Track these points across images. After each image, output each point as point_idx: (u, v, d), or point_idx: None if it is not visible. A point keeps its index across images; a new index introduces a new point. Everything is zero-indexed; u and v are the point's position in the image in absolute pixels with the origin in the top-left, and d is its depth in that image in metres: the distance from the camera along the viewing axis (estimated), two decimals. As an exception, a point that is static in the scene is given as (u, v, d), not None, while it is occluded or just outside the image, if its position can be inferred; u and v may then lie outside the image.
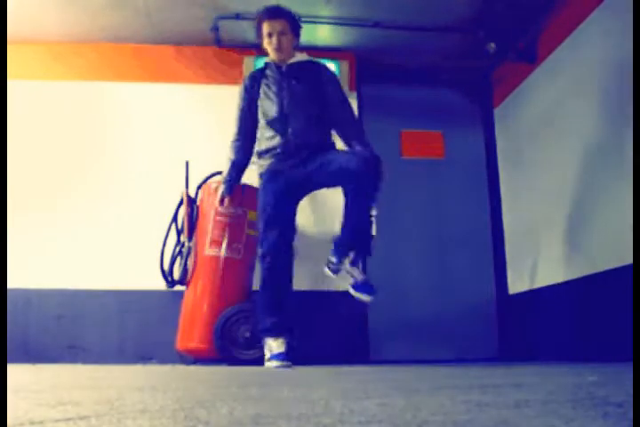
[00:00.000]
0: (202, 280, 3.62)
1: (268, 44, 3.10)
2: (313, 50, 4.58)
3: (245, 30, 4.29)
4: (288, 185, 3.04)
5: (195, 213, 3.79)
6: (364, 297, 3.03)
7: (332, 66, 4.56)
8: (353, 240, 3.07)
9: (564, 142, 3.77)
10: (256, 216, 3.22)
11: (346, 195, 3.00)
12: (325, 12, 4.11)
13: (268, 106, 3.07)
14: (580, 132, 3.60)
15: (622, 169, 3.10)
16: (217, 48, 4.45)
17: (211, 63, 4.48)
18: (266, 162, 3.08)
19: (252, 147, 3.20)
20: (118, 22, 4.18)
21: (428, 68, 4.79)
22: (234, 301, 3.53)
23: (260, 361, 3.31)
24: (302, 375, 2.09)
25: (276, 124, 3.03)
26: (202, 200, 3.82)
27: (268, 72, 3.15)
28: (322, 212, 4.39)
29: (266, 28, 3.06)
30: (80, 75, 4.41)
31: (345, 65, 4.57)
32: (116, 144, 4.34)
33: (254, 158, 3.19)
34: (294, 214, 3.15)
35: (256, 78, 3.17)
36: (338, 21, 4.20)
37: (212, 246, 3.62)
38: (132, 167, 4.29)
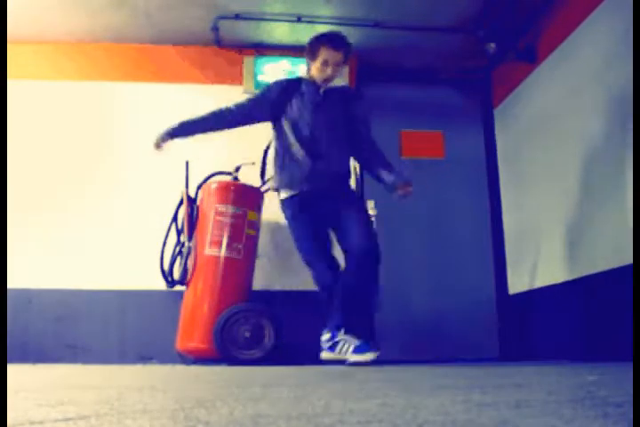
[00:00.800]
0: (202, 280, 3.62)
1: (320, 71, 3.04)
2: (313, 50, 4.58)
3: (245, 30, 4.30)
4: (319, 216, 3.03)
5: (195, 213, 3.79)
6: (368, 355, 2.77)
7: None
8: (351, 319, 2.94)
9: (563, 142, 3.77)
10: (295, 243, 3.12)
11: (345, 264, 3.03)
12: (325, 11, 4.11)
13: (300, 123, 3.04)
14: (579, 132, 3.60)
15: (622, 169, 3.10)
16: (217, 48, 4.45)
17: (211, 63, 4.48)
18: (286, 177, 3.03)
19: (228, 128, 3.14)
20: (118, 22, 4.18)
21: (428, 68, 4.79)
22: (234, 301, 3.53)
23: (259, 361, 3.31)
24: (302, 375, 2.09)
25: (306, 143, 3.01)
26: (202, 200, 3.82)
27: (303, 88, 3.10)
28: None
29: (324, 55, 3.01)
30: (80, 74, 4.41)
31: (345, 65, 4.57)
32: (116, 144, 4.35)
33: (274, 173, 3.10)
34: (330, 243, 3.15)
35: (290, 88, 3.11)
36: (338, 21, 4.20)
37: (212, 246, 3.62)
38: (131, 167, 4.29)
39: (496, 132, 4.78)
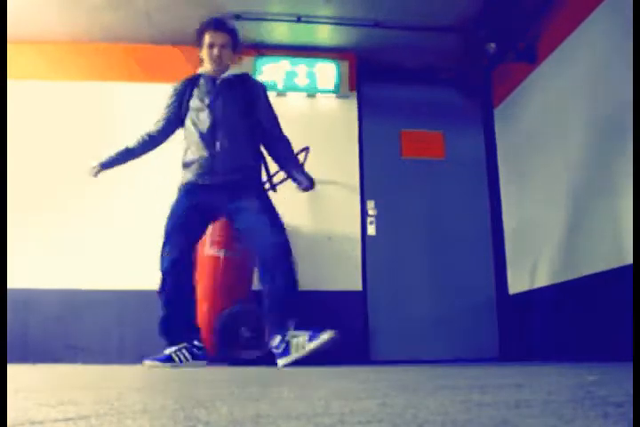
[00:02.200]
0: (202, 280, 3.61)
1: (208, 55, 3.09)
2: (313, 50, 4.60)
3: (245, 30, 4.29)
4: (203, 206, 2.99)
5: (195, 213, 3.78)
6: (326, 335, 2.77)
7: (332, 66, 4.57)
8: (282, 311, 2.91)
9: (563, 142, 3.77)
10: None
11: (259, 264, 2.98)
12: (325, 11, 4.11)
13: (200, 117, 3.03)
14: (579, 132, 3.60)
15: (622, 169, 3.10)
16: (217, 48, 4.45)
17: (211, 63, 4.47)
18: (189, 173, 3.02)
19: (153, 147, 3.19)
20: (118, 22, 4.19)
21: (428, 68, 4.79)
22: (234, 301, 3.53)
23: (259, 361, 3.31)
24: (302, 375, 2.09)
25: (206, 136, 2.98)
26: (202, 200, 3.82)
27: (201, 82, 3.11)
28: (320, 211, 4.39)
29: (208, 38, 3.07)
30: (80, 75, 4.41)
31: (345, 65, 4.57)
32: (116, 144, 4.34)
33: (182, 168, 3.09)
34: (202, 233, 3.12)
35: (188, 85, 3.12)
36: (338, 21, 4.21)
37: (212, 246, 3.62)
38: (131, 167, 4.28)
39: (496, 132, 4.78)
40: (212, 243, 3.63)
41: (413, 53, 4.59)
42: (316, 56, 4.57)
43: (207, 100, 3.04)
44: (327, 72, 4.55)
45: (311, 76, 4.54)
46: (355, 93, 4.61)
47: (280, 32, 4.35)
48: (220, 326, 3.40)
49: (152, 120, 3.18)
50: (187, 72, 4.44)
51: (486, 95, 4.88)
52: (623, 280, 2.96)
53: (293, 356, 2.77)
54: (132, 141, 3.19)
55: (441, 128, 4.81)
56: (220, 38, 3.06)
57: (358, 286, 4.29)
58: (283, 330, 2.84)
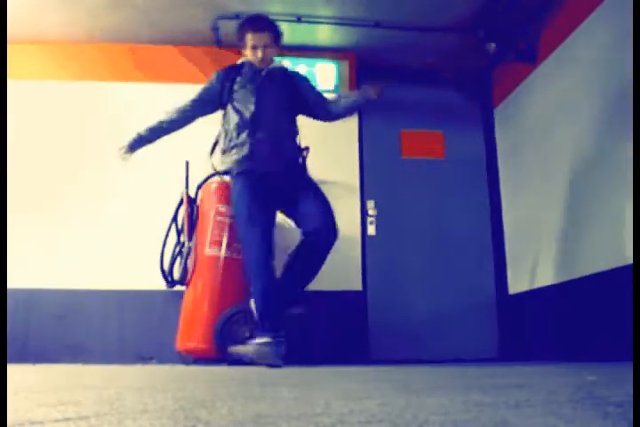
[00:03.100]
0: (202, 280, 3.62)
1: (252, 55, 3.08)
2: (313, 50, 4.59)
3: (245, 30, 4.30)
4: (267, 192, 2.99)
5: (195, 213, 3.79)
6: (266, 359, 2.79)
7: (332, 66, 4.57)
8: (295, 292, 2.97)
9: (563, 142, 3.77)
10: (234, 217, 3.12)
11: (301, 245, 3.00)
12: (325, 11, 4.11)
13: (244, 105, 3.04)
14: (579, 132, 3.60)
15: (622, 169, 3.10)
16: (217, 48, 4.46)
17: (211, 63, 4.47)
18: (231, 158, 3.02)
19: (187, 124, 3.19)
20: (118, 22, 4.19)
21: (428, 68, 4.79)
22: (234, 301, 3.52)
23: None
24: (302, 375, 2.09)
25: (250, 122, 3.00)
26: (202, 200, 3.82)
27: (246, 71, 3.12)
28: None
29: (250, 40, 3.05)
30: (80, 75, 4.41)
31: (345, 65, 4.57)
32: (116, 144, 4.33)
33: (219, 155, 3.11)
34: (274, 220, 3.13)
35: (231, 72, 3.13)
36: (338, 21, 4.20)
37: (212, 246, 3.62)
38: (131, 167, 4.28)
39: (496, 132, 4.78)
40: (212, 243, 3.63)
41: (413, 53, 4.59)
42: (316, 56, 4.57)
43: (252, 90, 3.06)
44: (327, 72, 4.55)
45: (311, 75, 4.53)
46: (355, 93, 4.60)
47: (280, 32, 4.35)
48: (220, 326, 3.40)
49: (186, 98, 3.16)
50: (187, 72, 4.47)
51: (486, 95, 4.88)
52: (623, 280, 2.96)
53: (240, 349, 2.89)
54: (161, 116, 3.17)
55: (441, 128, 4.81)
56: (263, 39, 3.04)
57: (358, 286, 4.29)
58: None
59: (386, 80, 4.86)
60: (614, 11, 3.28)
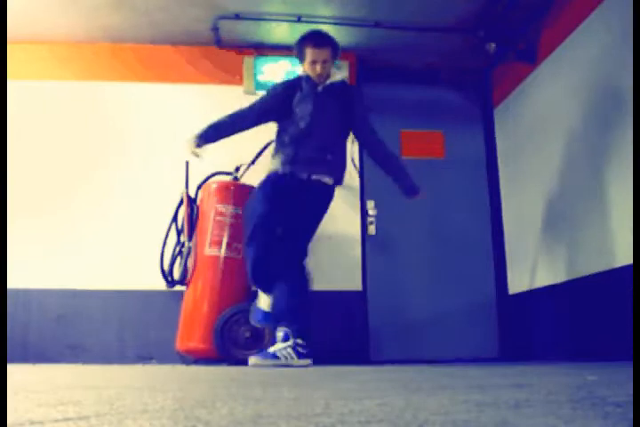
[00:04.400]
0: (202, 280, 3.62)
1: (311, 70, 3.14)
2: (313, 50, 4.58)
3: (245, 30, 4.30)
4: (295, 198, 3.07)
5: (195, 213, 3.79)
6: (304, 362, 2.92)
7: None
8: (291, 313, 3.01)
9: (563, 142, 3.77)
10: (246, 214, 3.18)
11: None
12: (325, 12, 4.11)
13: (301, 119, 3.11)
14: (579, 132, 3.60)
15: (622, 169, 3.10)
16: (217, 48, 4.46)
17: (211, 63, 4.48)
18: (284, 165, 3.08)
19: (247, 129, 3.22)
20: (118, 22, 4.19)
21: (428, 68, 4.79)
22: (234, 301, 3.53)
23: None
24: (302, 375, 2.09)
25: (305, 138, 3.08)
26: (202, 200, 3.82)
27: (304, 85, 3.19)
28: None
29: (310, 55, 3.11)
30: (80, 75, 4.41)
31: (345, 65, 4.57)
32: (117, 144, 4.34)
33: (274, 154, 3.17)
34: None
35: (293, 86, 3.20)
36: (338, 21, 4.20)
37: (212, 246, 3.62)
38: (131, 167, 4.29)
39: (496, 132, 4.78)
40: (212, 243, 3.63)
41: (413, 53, 4.59)
42: (315, 56, 4.57)
43: (310, 105, 3.11)
44: (327, 72, 4.55)
45: (311, 76, 4.54)
46: (355, 93, 4.60)
47: (280, 32, 4.35)
48: (220, 326, 3.40)
49: (247, 103, 3.22)
50: (187, 72, 4.47)
51: (486, 95, 4.88)
52: (623, 280, 2.96)
53: (281, 362, 2.88)
54: (227, 116, 3.21)
55: (441, 128, 4.81)
56: (323, 55, 3.10)
57: (358, 286, 4.29)
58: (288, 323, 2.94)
59: (386, 80, 4.88)
60: (614, 11, 3.28)
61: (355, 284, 4.28)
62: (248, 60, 4.49)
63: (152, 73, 4.48)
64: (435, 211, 4.64)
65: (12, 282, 3.65)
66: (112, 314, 4.03)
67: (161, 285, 3.77)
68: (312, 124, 3.09)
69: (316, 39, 3.13)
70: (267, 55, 4.52)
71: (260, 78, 4.48)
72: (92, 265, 4.06)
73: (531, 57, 4.15)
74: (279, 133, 3.20)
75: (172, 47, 4.49)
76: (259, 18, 4.15)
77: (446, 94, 4.90)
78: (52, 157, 4.24)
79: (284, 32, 4.35)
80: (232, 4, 3.99)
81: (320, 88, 3.17)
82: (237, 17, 4.10)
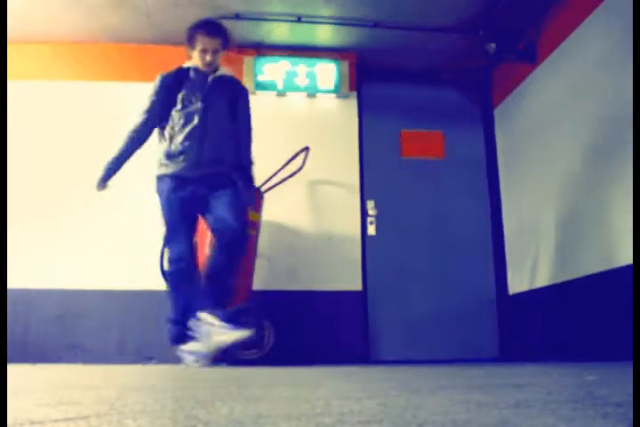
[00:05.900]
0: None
1: (200, 58, 3.09)
2: (313, 50, 4.60)
3: (245, 30, 4.30)
4: (193, 197, 3.06)
5: (195, 213, 3.78)
6: (241, 333, 2.87)
7: (332, 66, 4.58)
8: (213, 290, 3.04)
9: (563, 142, 3.78)
10: (163, 217, 3.19)
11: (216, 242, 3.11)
12: (325, 11, 4.11)
13: (190, 111, 3.06)
14: (579, 133, 3.60)
15: (622, 169, 3.10)
16: (217, 48, 4.45)
17: (211, 63, 4.47)
18: (176, 165, 3.04)
19: (146, 140, 3.20)
20: (119, 22, 4.19)
21: (428, 68, 4.79)
22: (234, 301, 3.52)
23: (259, 361, 3.31)
24: (302, 375, 2.09)
25: (195, 131, 3.03)
26: (202, 200, 3.82)
27: (192, 76, 3.14)
28: (320, 211, 4.39)
29: (201, 43, 3.07)
30: (81, 75, 4.41)
31: (345, 65, 4.57)
32: (117, 144, 4.33)
33: (163, 159, 3.11)
34: (196, 226, 3.21)
35: (177, 77, 3.14)
36: (338, 21, 4.21)
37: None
38: (131, 167, 4.28)
39: (496, 132, 4.78)
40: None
41: (413, 53, 4.59)
42: (316, 56, 4.58)
43: (199, 96, 3.08)
44: (327, 72, 4.55)
45: (311, 76, 4.54)
46: (355, 93, 4.61)
47: (280, 32, 4.35)
48: (219, 326, 3.39)
49: (136, 112, 3.17)
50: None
51: (486, 95, 4.88)
52: (623, 280, 2.96)
53: (197, 347, 2.87)
54: (120, 143, 3.21)
55: (441, 128, 4.81)
56: (213, 44, 3.07)
57: (358, 286, 4.29)
58: (205, 305, 2.95)
59: (385, 80, 4.88)
60: (614, 11, 3.28)
61: (355, 284, 4.28)
62: (248, 60, 4.49)
63: (152, 73, 4.45)
64: (435, 211, 4.65)
65: (12, 282, 3.65)
66: (112, 314, 4.03)
67: (161, 285, 3.76)
68: (204, 118, 3.04)
69: (208, 27, 3.09)
70: (267, 55, 4.53)
71: (261, 78, 4.48)
72: (91, 265, 4.06)
73: (531, 57, 4.15)
74: (168, 129, 3.11)
75: (172, 47, 4.48)
76: (259, 18, 4.15)
77: (446, 94, 4.90)
78: (53, 157, 4.24)
79: (284, 32, 4.35)
80: (232, 3, 4.00)
81: (210, 78, 3.12)
82: (237, 17, 4.10)
